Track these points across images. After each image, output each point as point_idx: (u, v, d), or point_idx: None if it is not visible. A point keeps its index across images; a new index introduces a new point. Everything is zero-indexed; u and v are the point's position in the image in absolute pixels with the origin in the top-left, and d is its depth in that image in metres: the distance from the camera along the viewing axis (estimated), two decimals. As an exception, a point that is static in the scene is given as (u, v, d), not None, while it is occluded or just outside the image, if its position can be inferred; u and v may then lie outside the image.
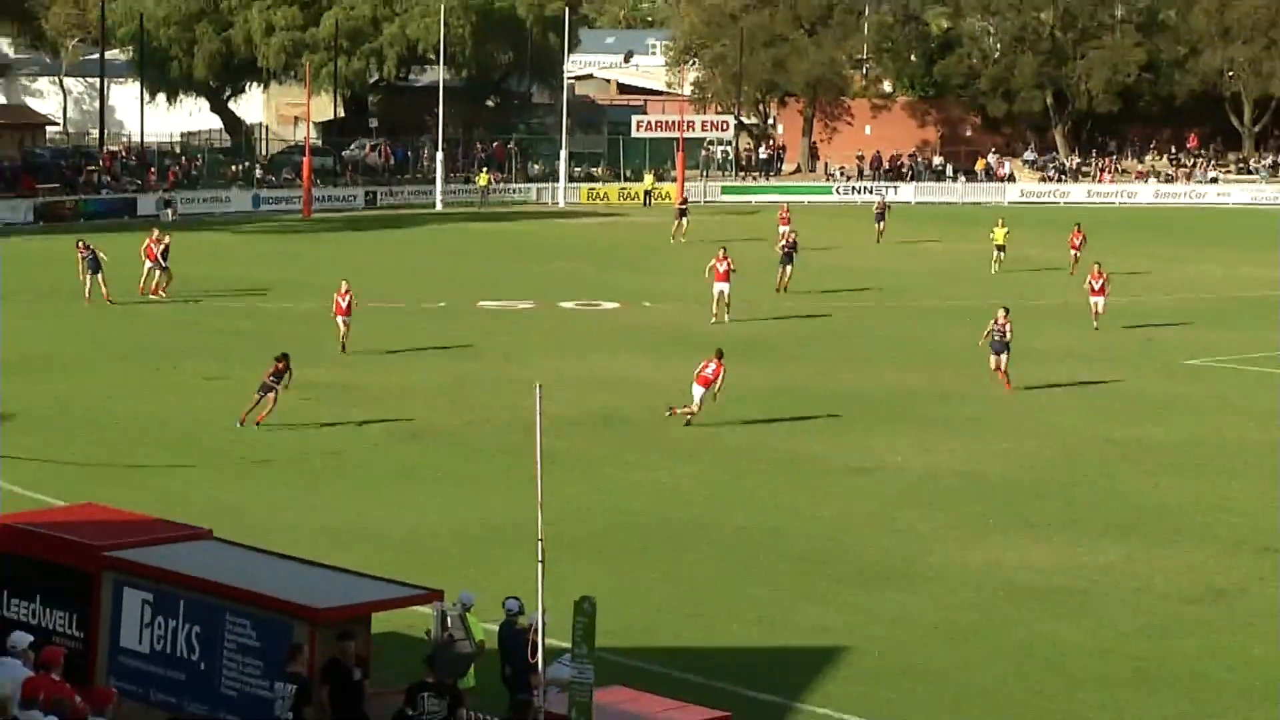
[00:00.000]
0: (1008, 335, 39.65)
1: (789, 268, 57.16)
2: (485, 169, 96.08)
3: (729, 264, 50.68)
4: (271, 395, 34.63)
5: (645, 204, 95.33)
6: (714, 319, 50.27)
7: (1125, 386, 41.40)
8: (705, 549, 27.17)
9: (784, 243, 58.73)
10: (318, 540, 26.35)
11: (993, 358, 39.91)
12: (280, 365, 34.96)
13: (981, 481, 31.88)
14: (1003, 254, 64.26)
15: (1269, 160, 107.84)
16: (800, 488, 31.29)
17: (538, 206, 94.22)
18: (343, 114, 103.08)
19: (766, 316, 51.73)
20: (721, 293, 50.59)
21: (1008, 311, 39.97)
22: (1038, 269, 62.47)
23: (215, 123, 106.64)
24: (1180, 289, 61.08)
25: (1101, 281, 50.15)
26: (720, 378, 35.91)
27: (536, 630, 17.86)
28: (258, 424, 34.33)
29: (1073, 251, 62.32)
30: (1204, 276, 65.03)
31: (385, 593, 19.14)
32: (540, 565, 17.71)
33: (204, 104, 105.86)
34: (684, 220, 74.30)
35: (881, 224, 74.92)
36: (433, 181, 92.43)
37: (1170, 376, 42.99)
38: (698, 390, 35.94)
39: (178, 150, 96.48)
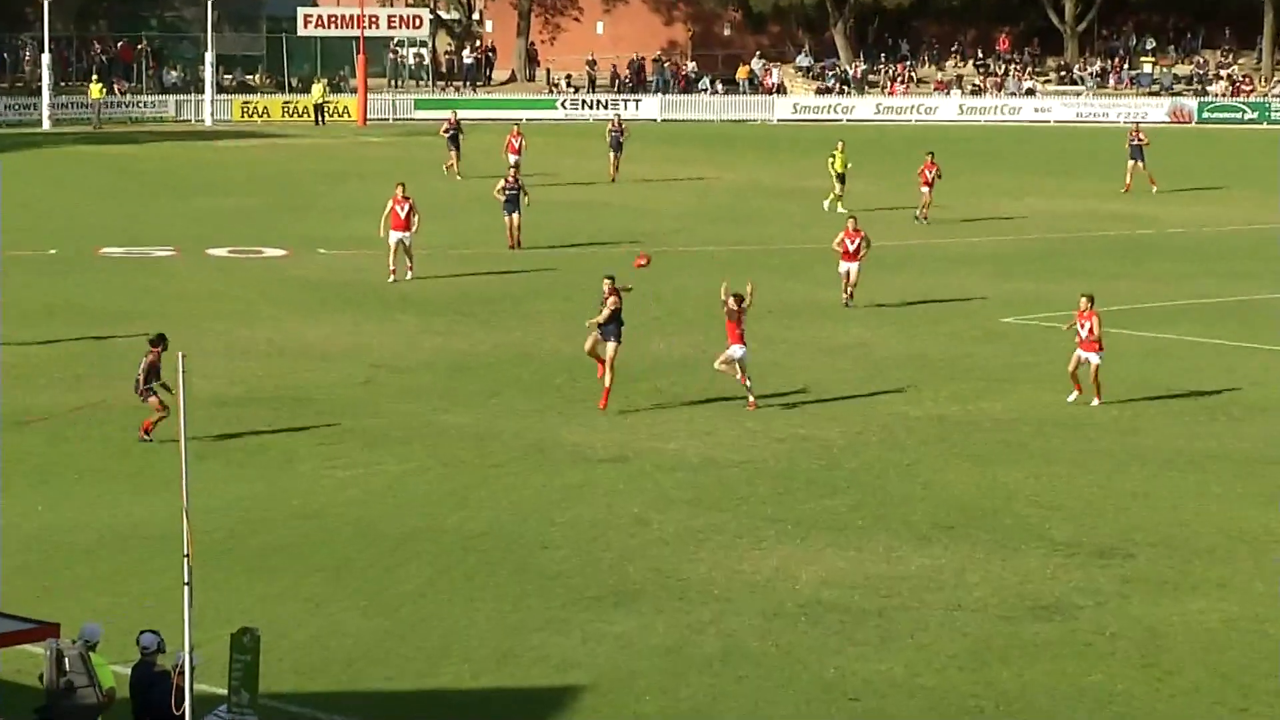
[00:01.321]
0: (618, 310, 36.01)
1: (516, 215, 54.84)
2: (99, 78, 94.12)
3: (409, 205, 49.67)
4: (155, 398, 32.28)
5: (317, 122, 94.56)
6: (391, 276, 49.50)
7: (937, 352, 41.87)
8: (421, 563, 26.94)
9: (504, 184, 55.50)
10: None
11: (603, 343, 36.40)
12: (156, 352, 32.35)
13: (770, 473, 31.91)
14: (843, 186, 63.97)
15: (1096, 67, 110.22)
16: (544, 483, 31.15)
17: (177, 125, 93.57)
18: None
19: (489, 271, 51.55)
20: (400, 241, 49.74)
21: (614, 280, 36.62)
22: (873, 209, 61.43)
23: None
24: (992, 230, 61.96)
25: (858, 242, 46.50)
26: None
27: (181, 673, 17.79)
28: (147, 433, 32.26)
29: (924, 188, 61.84)
30: (1021, 212, 66.15)
31: (-16, 627, 18.75)
32: (187, 588, 17.69)
33: None
34: (458, 149, 72.72)
35: (618, 155, 73.80)
36: (37, 92, 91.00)
37: (989, 340, 43.59)
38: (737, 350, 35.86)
39: None
